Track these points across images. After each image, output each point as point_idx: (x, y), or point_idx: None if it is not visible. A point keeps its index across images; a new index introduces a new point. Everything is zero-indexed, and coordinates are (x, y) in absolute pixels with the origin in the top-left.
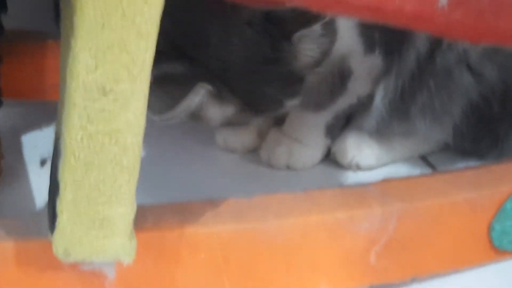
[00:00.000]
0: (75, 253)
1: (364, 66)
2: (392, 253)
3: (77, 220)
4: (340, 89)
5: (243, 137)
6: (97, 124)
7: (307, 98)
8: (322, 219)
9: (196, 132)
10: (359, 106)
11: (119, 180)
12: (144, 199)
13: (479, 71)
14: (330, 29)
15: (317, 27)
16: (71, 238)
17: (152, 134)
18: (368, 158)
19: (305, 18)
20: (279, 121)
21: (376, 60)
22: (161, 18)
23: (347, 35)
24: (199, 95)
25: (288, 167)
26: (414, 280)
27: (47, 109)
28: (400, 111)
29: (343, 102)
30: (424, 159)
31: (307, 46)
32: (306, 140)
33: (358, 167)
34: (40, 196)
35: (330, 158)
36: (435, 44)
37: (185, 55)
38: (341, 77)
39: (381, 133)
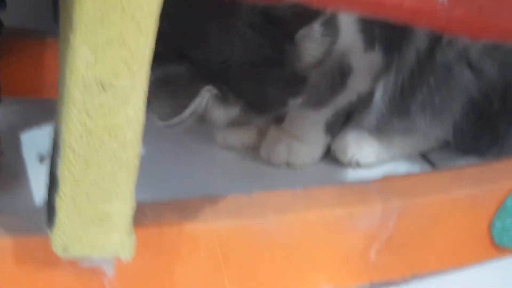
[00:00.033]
0: (74, 249)
1: (364, 62)
2: (392, 250)
3: (76, 216)
4: (340, 86)
5: (243, 135)
6: (97, 120)
7: (307, 95)
8: (322, 216)
9: (196, 130)
10: (359, 103)
11: (118, 176)
12: (144, 197)
13: (479, 68)
14: (332, 28)
15: (318, 26)
16: (70, 235)
17: (152, 131)
18: (368, 155)
19: (305, 16)
20: (279, 119)
21: (376, 57)
22: (164, 21)
23: (348, 32)
24: (204, 99)
25: (287, 165)
26: (414, 277)
27: (46, 107)
28: (400, 108)
29: (343, 99)
30: (424, 157)
31: (309, 45)
32: (306, 137)
33: (358, 165)
34: (39, 193)
35: (330, 156)
36: (435, 40)
37: (188, 58)
38: (341, 74)
39: (381, 131)
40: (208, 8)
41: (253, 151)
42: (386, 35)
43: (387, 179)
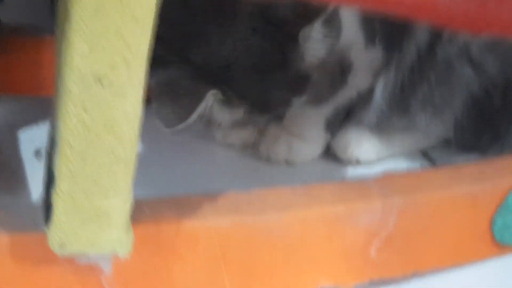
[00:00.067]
0: (70, 246)
1: (364, 59)
2: (392, 248)
3: (73, 212)
4: (340, 82)
5: (243, 133)
6: (93, 114)
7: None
8: (322, 213)
9: (195, 127)
10: (359, 100)
11: (115, 172)
12: (142, 194)
13: (480, 64)
14: (335, 26)
15: (320, 26)
16: (67, 231)
17: (150, 128)
18: (368, 152)
19: (307, 16)
20: (279, 116)
21: (376, 53)
22: (167, 26)
23: (349, 28)
24: (209, 103)
25: (287, 162)
26: (414, 275)
27: (44, 105)
28: (400, 105)
29: (343, 96)
30: (425, 154)
31: (312, 46)
32: (305, 134)
33: (358, 162)
34: (37, 191)
35: (329, 153)
36: (436, 36)
37: (192, 63)
38: (341, 71)
39: (381, 128)
40: (210, 12)
41: (253, 148)
42: (386, 31)
43: (387, 176)
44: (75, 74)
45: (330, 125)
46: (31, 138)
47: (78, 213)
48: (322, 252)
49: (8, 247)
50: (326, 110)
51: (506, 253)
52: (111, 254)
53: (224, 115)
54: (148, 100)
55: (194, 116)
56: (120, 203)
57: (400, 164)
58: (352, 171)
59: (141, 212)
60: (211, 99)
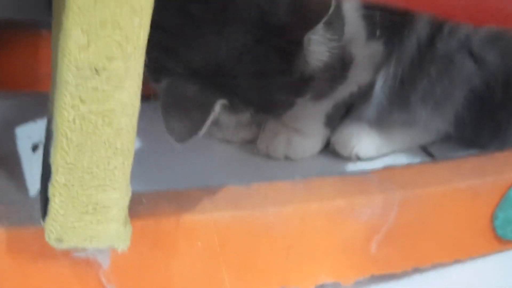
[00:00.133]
0: (67, 239)
1: (366, 52)
2: (393, 242)
3: (70, 204)
4: (341, 77)
5: (242, 130)
6: (90, 104)
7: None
8: (322, 207)
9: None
10: (360, 95)
11: (112, 163)
12: (141, 188)
13: (481, 57)
14: (338, 28)
15: (322, 29)
16: (64, 224)
17: (148, 122)
18: (368, 148)
19: (308, 19)
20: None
21: (377, 46)
22: (172, 39)
23: (351, 23)
24: (217, 113)
25: (286, 158)
26: (415, 270)
27: (41, 100)
28: (400, 99)
29: (344, 91)
30: (425, 150)
31: (316, 49)
32: (305, 129)
33: (357, 158)
34: (33, 186)
35: (329, 149)
36: (436, 29)
37: (197, 74)
38: (342, 64)
39: (381, 123)
40: (214, 24)
41: (252, 144)
42: (387, 24)
43: (388, 169)
44: (71, 64)
45: (330, 120)
46: (28, 133)
47: (75, 207)
48: (322, 247)
49: (5, 241)
50: (326, 105)
51: (508, 248)
52: (109, 248)
53: (229, 119)
54: (147, 96)
55: (204, 128)
56: (117, 195)
57: (400, 160)
58: (351, 167)
59: (140, 205)
60: (218, 109)
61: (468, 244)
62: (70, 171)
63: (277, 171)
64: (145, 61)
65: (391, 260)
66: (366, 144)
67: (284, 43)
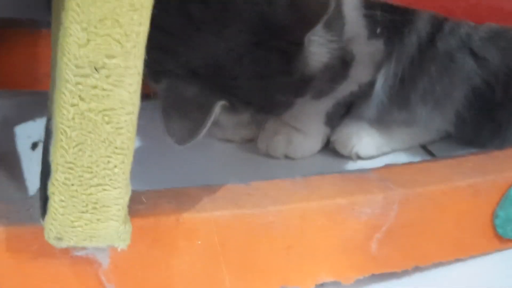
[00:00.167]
0: (67, 237)
1: (367, 50)
2: (393, 241)
3: (69, 202)
4: (341, 76)
5: (242, 130)
6: (89, 102)
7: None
8: (322, 205)
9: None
10: (360, 94)
11: (112, 161)
12: (141, 187)
13: (482, 56)
14: (338, 29)
15: (322, 30)
16: (63, 222)
17: (148, 120)
18: (368, 147)
19: (308, 19)
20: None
21: (378, 45)
22: (172, 40)
23: (351, 22)
24: (217, 114)
25: (286, 157)
26: (416, 269)
27: (40, 99)
28: (401, 98)
29: (344, 90)
30: (425, 148)
31: (317, 50)
32: (305, 128)
33: (358, 157)
34: (33, 185)
35: (329, 148)
36: (437, 28)
37: (197, 76)
38: (343, 64)
39: (381, 122)
40: (214, 26)
41: (252, 143)
42: (387, 22)
43: (388, 167)
44: (71, 63)
45: (330, 119)
46: (28, 133)
47: (75, 205)
48: (322, 245)
49: (4, 240)
50: (327, 104)
51: (508, 247)
52: (108, 247)
53: (228, 120)
54: (147, 94)
55: (204, 130)
56: (117, 193)
57: (400, 159)
58: (351, 166)
59: (140, 204)
60: (218, 110)
61: (468, 243)
62: (69, 170)
63: (277, 170)
64: (145, 61)
65: (391, 259)
66: (366, 143)
67: (284, 44)
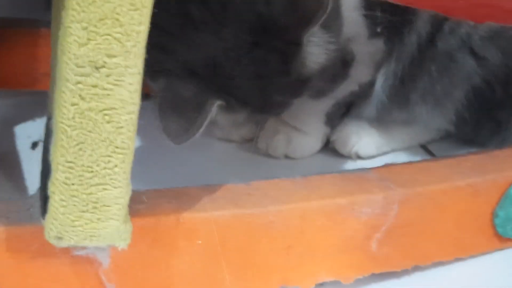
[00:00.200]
0: (67, 237)
1: (367, 50)
2: (393, 241)
3: (70, 202)
4: (342, 75)
5: (242, 129)
6: (90, 101)
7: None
8: (322, 205)
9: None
10: (360, 94)
11: (113, 160)
12: (141, 187)
13: (482, 55)
14: (336, 30)
15: (320, 31)
16: (63, 221)
17: (149, 120)
18: (368, 146)
19: (307, 17)
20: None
21: (379, 44)
22: (170, 40)
23: (351, 19)
24: (213, 114)
25: (286, 156)
26: (416, 268)
27: (40, 98)
28: (401, 98)
29: (344, 89)
30: (425, 148)
31: (314, 51)
32: (305, 128)
33: (357, 156)
34: (32, 184)
35: (329, 147)
36: (437, 27)
37: (197, 75)
38: (343, 63)
39: (381, 121)
40: (212, 26)
41: (252, 142)
42: (387, 22)
43: (388, 167)
44: (72, 62)
45: (330, 118)
46: (27, 132)
47: (76, 205)
48: (322, 245)
49: (4, 240)
50: (327, 104)
51: (508, 246)
52: (109, 246)
53: (225, 119)
54: (147, 94)
55: (200, 129)
56: (118, 192)
57: (400, 158)
58: (351, 166)
59: (140, 204)
60: (215, 110)
61: (468, 242)
62: (70, 169)
63: (277, 170)
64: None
65: (391, 258)
66: (366, 143)
67: (282, 44)
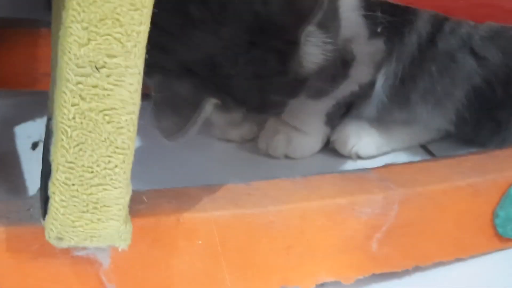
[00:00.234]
0: (68, 237)
1: (367, 50)
2: (393, 241)
3: (70, 202)
4: (342, 75)
5: (241, 127)
6: (90, 101)
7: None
8: (322, 205)
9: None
10: (360, 94)
11: (113, 161)
12: (141, 187)
13: (482, 55)
14: (334, 30)
15: (318, 31)
16: (64, 222)
17: (149, 120)
18: (368, 146)
19: (303, 14)
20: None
21: (379, 44)
22: (168, 39)
23: (351, 19)
24: (208, 112)
25: (286, 156)
26: (416, 268)
27: (40, 99)
28: (401, 98)
29: (345, 89)
30: (425, 148)
31: (311, 51)
32: (305, 128)
33: (357, 156)
34: (33, 185)
35: (329, 147)
36: (437, 27)
37: (193, 73)
38: (343, 63)
39: (381, 121)
40: (210, 25)
41: (252, 142)
42: (388, 21)
43: (388, 167)
44: (72, 62)
45: (330, 118)
46: (28, 133)
47: (76, 205)
48: (323, 245)
49: (5, 240)
50: (327, 104)
51: (508, 246)
52: (109, 247)
53: (220, 118)
54: (148, 94)
55: (193, 127)
56: (118, 193)
57: (400, 158)
58: (351, 166)
59: (140, 204)
60: (209, 108)
61: (468, 242)
62: (70, 170)
63: (277, 170)
64: None
65: (391, 258)
66: (366, 143)
67: (279, 43)
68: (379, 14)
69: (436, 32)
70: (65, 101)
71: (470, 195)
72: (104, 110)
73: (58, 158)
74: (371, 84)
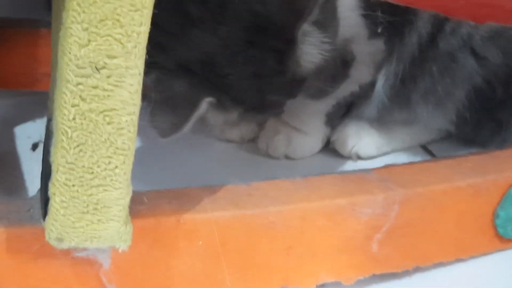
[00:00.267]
0: (68, 238)
1: (367, 50)
2: (394, 241)
3: (70, 203)
4: (342, 75)
5: (241, 129)
6: (90, 102)
7: (307, 85)
8: (322, 206)
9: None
10: (361, 94)
11: (113, 161)
12: (141, 188)
13: (483, 55)
14: (332, 30)
15: (316, 31)
16: (64, 223)
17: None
18: (368, 147)
19: (299, 12)
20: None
21: (379, 44)
22: (168, 37)
23: (350, 19)
24: (203, 110)
25: (286, 157)
26: (416, 269)
27: (40, 99)
28: (401, 98)
29: (345, 90)
30: (425, 148)
31: (309, 51)
32: (305, 128)
33: (358, 156)
34: (33, 185)
35: (329, 148)
36: (438, 28)
37: (190, 71)
38: (343, 63)
39: (381, 122)
40: (209, 24)
41: (252, 142)
42: (388, 21)
43: (388, 167)
44: (72, 63)
45: (330, 119)
46: (28, 133)
47: (76, 206)
48: (323, 246)
49: (5, 241)
50: (327, 104)
51: (509, 247)
52: (109, 247)
53: (217, 118)
54: (145, 95)
55: (188, 125)
56: (118, 194)
57: (400, 159)
58: (352, 166)
59: (141, 205)
60: (205, 107)
61: (469, 243)
62: (70, 170)
63: (277, 170)
64: None
65: (392, 259)
66: (367, 143)
67: (277, 43)
68: (379, 14)
69: (437, 32)
70: (65, 102)
71: (470, 196)
72: (105, 111)
73: (58, 159)
74: (372, 84)
